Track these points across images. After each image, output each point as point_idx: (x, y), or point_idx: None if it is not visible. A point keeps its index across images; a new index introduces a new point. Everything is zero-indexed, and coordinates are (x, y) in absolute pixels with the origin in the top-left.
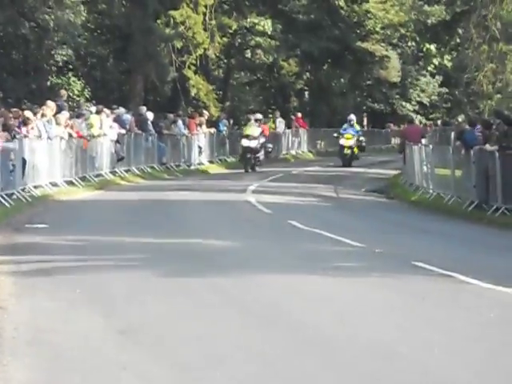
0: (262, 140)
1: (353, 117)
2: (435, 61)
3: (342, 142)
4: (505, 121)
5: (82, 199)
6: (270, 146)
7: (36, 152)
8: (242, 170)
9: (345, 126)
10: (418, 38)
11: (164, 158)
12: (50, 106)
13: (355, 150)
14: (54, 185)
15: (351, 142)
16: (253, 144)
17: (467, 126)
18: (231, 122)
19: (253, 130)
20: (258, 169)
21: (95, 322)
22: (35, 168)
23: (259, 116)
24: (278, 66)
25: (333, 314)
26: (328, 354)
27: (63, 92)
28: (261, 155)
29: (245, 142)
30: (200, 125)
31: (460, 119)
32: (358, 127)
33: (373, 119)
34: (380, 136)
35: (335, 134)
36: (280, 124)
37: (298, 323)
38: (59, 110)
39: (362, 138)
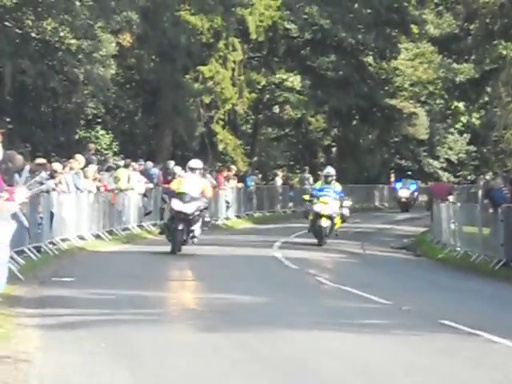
0: (200, 204)
1: (331, 170)
2: (463, 119)
3: (318, 208)
4: None
5: (108, 253)
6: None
7: (64, 205)
8: (270, 226)
9: (319, 183)
10: (446, 96)
11: None
12: (78, 159)
13: (337, 221)
14: (81, 238)
15: (331, 209)
16: (188, 208)
17: (499, 183)
18: (260, 176)
19: (188, 184)
20: (191, 246)
21: (120, 376)
22: (63, 221)
23: (197, 164)
24: (306, 121)
25: (359, 372)
26: None
27: (91, 146)
28: (197, 227)
29: (176, 205)
30: (228, 179)
31: (488, 177)
32: (339, 186)
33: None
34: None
35: (305, 196)
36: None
37: (324, 380)
38: (87, 163)
39: (347, 203)
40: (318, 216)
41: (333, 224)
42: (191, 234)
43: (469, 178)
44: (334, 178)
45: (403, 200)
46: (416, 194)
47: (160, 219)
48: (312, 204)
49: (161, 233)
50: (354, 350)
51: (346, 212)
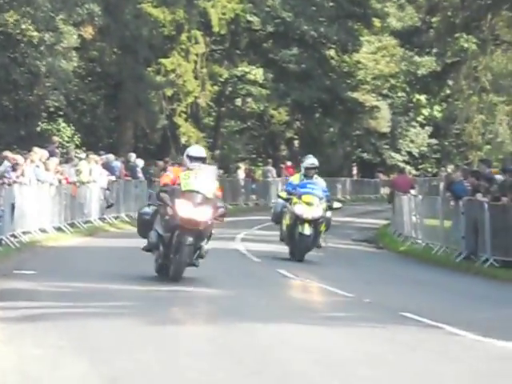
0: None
1: (315, 160)
2: (425, 112)
3: (300, 210)
4: (506, 170)
5: (70, 246)
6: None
7: (25, 197)
8: (232, 218)
9: (297, 177)
10: (408, 89)
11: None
12: (38, 152)
13: (322, 227)
14: (43, 231)
15: (317, 212)
16: (200, 215)
17: (459, 176)
18: (221, 171)
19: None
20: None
21: (83, 369)
22: (24, 214)
23: (201, 152)
24: (269, 114)
25: (321, 365)
26: None
27: (55, 138)
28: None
29: (184, 209)
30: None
31: (449, 170)
32: (323, 182)
33: (362, 169)
34: (369, 186)
35: (281, 194)
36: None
37: (286, 373)
38: (50, 156)
39: (337, 205)
40: (300, 221)
41: (317, 233)
42: (198, 252)
43: (430, 170)
44: (315, 169)
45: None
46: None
47: (144, 230)
48: (291, 204)
49: (149, 250)
50: (317, 342)
51: (330, 215)
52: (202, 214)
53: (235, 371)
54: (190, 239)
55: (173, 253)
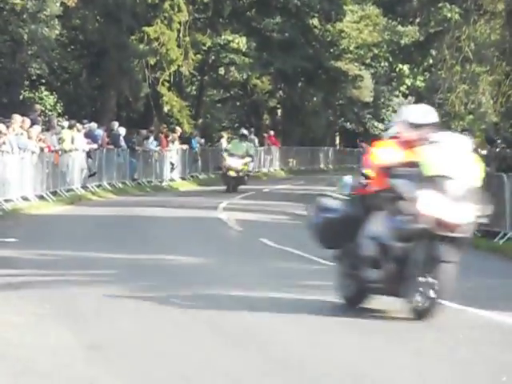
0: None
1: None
2: (408, 81)
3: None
4: (487, 140)
5: (52, 214)
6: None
7: (7, 166)
8: (214, 187)
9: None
10: (390, 59)
11: (136, 173)
12: (18, 119)
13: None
14: (25, 199)
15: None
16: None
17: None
18: (203, 140)
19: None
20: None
21: (64, 337)
22: (6, 182)
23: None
24: (252, 83)
25: (300, 334)
26: (295, 373)
27: (37, 106)
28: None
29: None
30: (172, 141)
31: None
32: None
33: (345, 138)
34: (352, 155)
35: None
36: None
37: (265, 342)
38: (32, 124)
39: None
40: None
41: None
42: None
43: None
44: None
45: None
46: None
47: (333, 236)
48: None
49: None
50: (296, 310)
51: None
52: (466, 213)
53: (213, 340)
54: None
55: (421, 273)
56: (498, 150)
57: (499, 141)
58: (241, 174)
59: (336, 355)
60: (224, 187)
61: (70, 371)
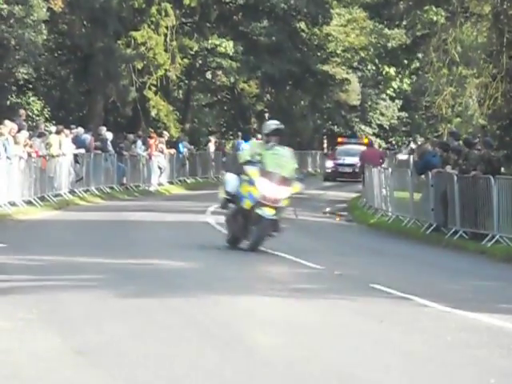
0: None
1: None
2: (394, 84)
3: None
4: (465, 143)
5: (40, 219)
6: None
7: None
8: (203, 191)
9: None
10: (377, 62)
11: (123, 178)
12: (8, 125)
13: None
14: (13, 204)
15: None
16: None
17: (429, 148)
18: (192, 147)
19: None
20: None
21: (52, 341)
22: None
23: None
24: (239, 87)
25: (290, 336)
26: (283, 376)
27: (22, 111)
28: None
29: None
30: (160, 149)
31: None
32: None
33: (333, 142)
34: None
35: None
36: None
37: (255, 345)
38: (18, 129)
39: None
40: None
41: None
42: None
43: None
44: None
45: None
46: None
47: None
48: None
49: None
50: (287, 314)
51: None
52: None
53: (203, 343)
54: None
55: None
56: (477, 152)
57: (478, 145)
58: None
59: (324, 357)
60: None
61: (57, 376)
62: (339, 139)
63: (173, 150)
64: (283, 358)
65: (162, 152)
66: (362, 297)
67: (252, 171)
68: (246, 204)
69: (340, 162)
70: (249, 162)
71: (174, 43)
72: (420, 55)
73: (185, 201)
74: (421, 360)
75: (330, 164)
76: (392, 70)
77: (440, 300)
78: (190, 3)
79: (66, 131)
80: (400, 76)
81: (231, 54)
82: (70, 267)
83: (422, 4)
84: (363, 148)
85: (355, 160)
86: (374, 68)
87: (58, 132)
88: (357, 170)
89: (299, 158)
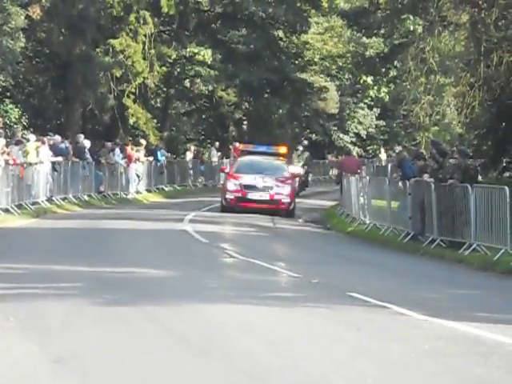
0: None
1: None
2: (372, 93)
3: None
4: (439, 152)
5: (17, 227)
6: None
7: None
8: (181, 200)
9: None
10: (354, 70)
11: (101, 186)
12: None
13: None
14: None
15: None
16: None
17: (407, 156)
18: (169, 154)
19: None
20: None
21: (29, 350)
22: None
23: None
24: (217, 95)
25: (267, 345)
26: (261, 383)
27: None
28: None
29: None
30: (137, 159)
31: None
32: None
33: (311, 150)
34: (318, 167)
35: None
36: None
37: (232, 353)
38: None
39: None
40: None
41: None
42: None
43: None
44: None
45: None
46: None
47: None
48: None
49: None
50: (262, 322)
51: None
52: None
53: (180, 352)
54: None
55: None
56: (452, 161)
57: (455, 154)
58: None
59: (301, 366)
60: None
61: None
62: (238, 146)
63: (151, 158)
64: (260, 367)
65: (138, 160)
66: (339, 305)
67: None
68: None
69: (247, 182)
70: None
71: (153, 51)
72: (398, 64)
73: (163, 209)
74: (398, 368)
75: (231, 186)
76: (369, 79)
77: (417, 308)
78: (168, 11)
79: (44, 139)
80: (378, 85)
81: (209, 62)
82: (47, 275)
83: (399, 13)
84: (281, 161)
85: (271, 180)
86: (351, 77)
87: (36, 140)
88: (279, 198)
89: None
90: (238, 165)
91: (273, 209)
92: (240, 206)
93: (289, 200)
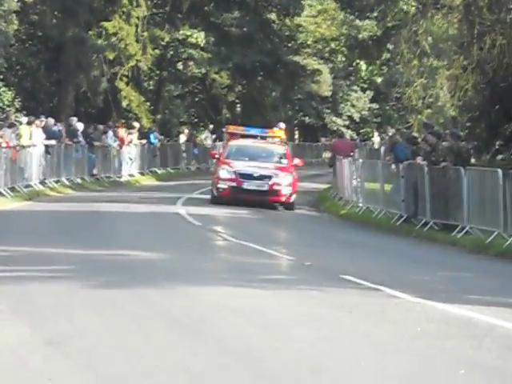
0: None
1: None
2: (364, 75)
3: None
4: (433, 134)
5: (10, 210)
6: None
7: None
8: (174, 182)
9: None
10: (347, 53)
11: (94, 169)
12: None
13: None
14: None
15: None
16: None
17: (400, 138)
18: (162, 137)
19: None
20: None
21: (22, 333)
22: None
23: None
24: (210, 78)
25: (260, 327)
26: (254, 367)
27: None
28: None
29: None
30: (130, 141)
31: (390, 133)
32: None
33: (304, 133)
34: (311, 150)
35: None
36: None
37: (224, 336)
38: None
39: None
40: None
41: None
42: None
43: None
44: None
45: None
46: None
47: None
48: None
49: None
50: (256, 305)
51: None
52: None
53: (173, 334)
54: None
55: None
56: (445, 144)
57: (448, 136)
58: None
59: (295, 348)
60: None
61: (27, 367)
62: (229, 128)
63: (144, 141)
64: (254, 349)
65: (131, 142)
66: (332, 288)
67: None
68: None
69: (243, 170)
70: None
71: (146, 34)
72: (391, 46)
73: (155, 191)
74: (390, 350)
75: (223, 174)
76: (362, 62)
77: (410, 291)
78: None
79: (37, 122)
80: (370, 67)
81: (202, 44)
82: (40, 258)
83: None
84: (279, 146)
85: (268, 168)
86: (344, 59)
87: (28, 122)
88: (279, 189)
89: None
90: (229, 149)
91: (272, 201)
92: (234, 197)
93: (290, 191)
